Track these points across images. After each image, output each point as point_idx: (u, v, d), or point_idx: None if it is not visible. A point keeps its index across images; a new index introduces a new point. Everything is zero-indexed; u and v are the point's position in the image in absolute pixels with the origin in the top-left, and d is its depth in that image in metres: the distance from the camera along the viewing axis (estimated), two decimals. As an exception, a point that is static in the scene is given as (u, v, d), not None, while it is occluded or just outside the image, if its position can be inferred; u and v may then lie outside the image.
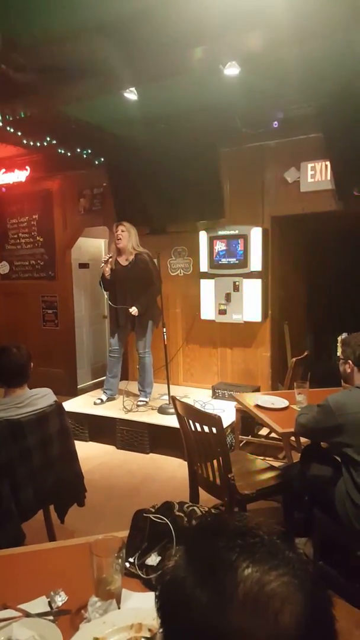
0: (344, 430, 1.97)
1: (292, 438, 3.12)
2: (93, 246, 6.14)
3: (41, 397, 2.29)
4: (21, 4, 2.30)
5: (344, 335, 4.33)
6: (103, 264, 4.22)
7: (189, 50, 2.63)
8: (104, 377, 4.65)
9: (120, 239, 4.17)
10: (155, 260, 4.23)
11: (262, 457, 3.18)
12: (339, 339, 4.41)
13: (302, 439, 3.11)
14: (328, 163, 3.99)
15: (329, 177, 4.03)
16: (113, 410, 4.32)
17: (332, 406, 1.98)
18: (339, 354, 2.55)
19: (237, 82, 3.15)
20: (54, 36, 2.58)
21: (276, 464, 3.22)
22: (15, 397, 2.20)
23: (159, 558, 1.21)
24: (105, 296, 4.51)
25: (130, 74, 2.84)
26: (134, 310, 4.13)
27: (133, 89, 3.22)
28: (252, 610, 0.45)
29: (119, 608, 1.05)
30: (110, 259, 4.19)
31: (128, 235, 4.18)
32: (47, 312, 5.76)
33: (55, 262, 5.62)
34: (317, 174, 4.11)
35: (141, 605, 1.05)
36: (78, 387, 5.73)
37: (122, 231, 4.18)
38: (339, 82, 3.38)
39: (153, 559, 1.21)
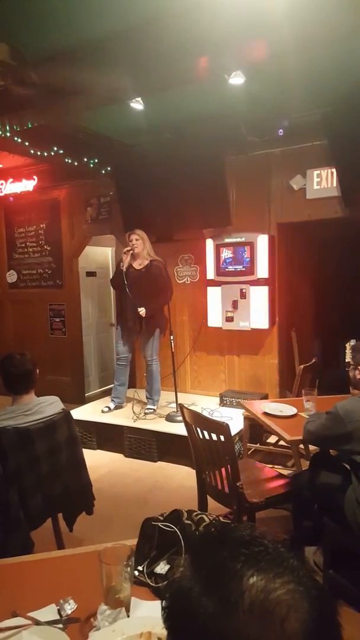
0: (353, 438, 1.95)
1: (301, 446, 3.10)
2: (100, 254, 6.18)
3: (49, 405, 2.30)
4: (30, 18, 2.35)
5: (353, 341, 4.32)
6: (124, 253, 4.24)
7: (194, 61, 2.66)
8: (112, 385, 4.66)
9: (135, 246, 4.22)
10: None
11: (270, 465, 3.16)
12: (348, 345, 4.40)
13: (311, 447, 3.09)
14: (334, 170, 4.00)
15: (334, 184, 4.04)
16: (121, 418, 4.32)
17: (341, 413, 1.97)
18: (347, 359, 2.54)
19: (242, 91, 3.19)
20: (62, 49, 2.63)
21: (285, 472, 3.20)
22: (22, 405, 2.22)
23: (167, 566, 1.21)
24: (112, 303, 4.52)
25: (137, 85, 2.88)
26: (142, 311, 4.17)
27: (139, 99, 3.26)
28: (258, 618, 0.45)
29: (128, 616, 1.05)
30: (129, 251, 4.22)
31: (142, 243, 4.26)
32: (55, 321, 5.79)
33: (63, 271, 5.66)
34: (322, 181, 4.12)
35: (150, 614, 1.04)
36: (86, 395, 5.74)
37: (137, 239, 4.24)
38: (343, 89, 3.40)
39: (162, 567, 1.21)
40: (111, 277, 4.46)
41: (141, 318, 4.22)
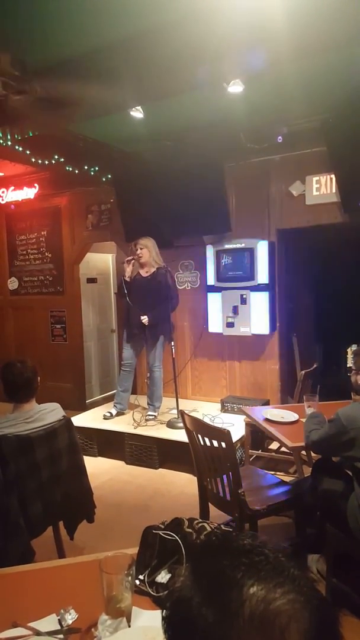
0: (356, 444, 1.95)
1: (303, 452, 3.09)
2: (101, 261, 6.20)
3: (50, 412, 2.30)
4: (32, 29, 2.38)
5: (355, 346, 4.31)
6: (125, 262, 4.26)
7: (193, 70, 2.69)
8: (113, 392, 4.65)
9: (141, 256, 4.24)
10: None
11: (272, 472, 3.15)
12: (349, 350, 4.39)
13: (313, 453, 3.07)
14: (333, 176, 4.02)
15: (334, 190, 4.05)
16: (122, 425, 4.31)
17: (343, 420, 1.97)
18: (349, 365, 2.54)
19: (241, 98, 3.21)
20: (63, 59, 2.65)
21: (287, 478, 3.18)
22: (23, 413, 2.21)
23: (168, 575, 1.20)
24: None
25: (137, 94, 2.90)
26: (145, 319, 4.17)
27: (139, 107, 3.29)
28: (258, 629, 0.45)
29: (129, 626, 1.04)
30: (133, 260, 4.24)
31: (148, 251, 4.26)
32: (56, 327, 5.80)
33: (64, 277, 5.68)
34: (322, 187, 4.14)
35: (152, 624, 1.04)
36: (87, 401, 5.73)
37: (141, 249, 4.25)
38: (341, 96, 3.42)
39: (163, 576, 1.20)
40: (116, 288, 4.46)
41: (145, 327, 4.22)
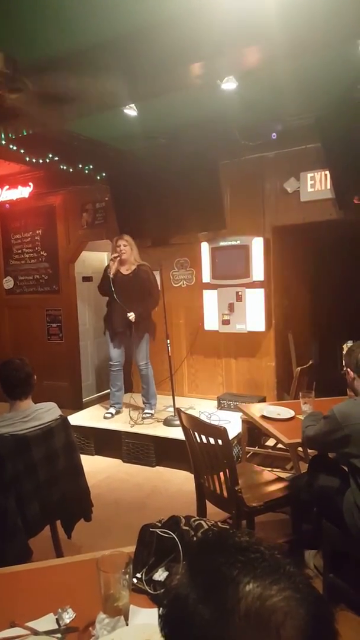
0: (351, 441, 1.96)
1: (300, 449, 3.10)
2: (96, 259, 6.18)
3: (46, 411, 2.30)
4: (23, 25, 2.36)
5: (350, 342, 4.32)
6: (111, 260, 4.24)
7: (186, 67, 2.67)
8: (109, 391, 4.65)
9: (124, 252, 4.22)
10: (157, 274, 4.28)
11: (269, 469, 3.16)
12: (344, 346, 4.41)
13: (310, 450, 3.09)
14: (327, 172, 4.02)
15: (328, 187, 4.06)
16: (118, 423, 4.31)
17: (338, 417, 1.97)
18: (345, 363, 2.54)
19: (235, 95, 3.20)
20: (56, 56, 2.64)
21: (284, 475, 3.19)
22: (20, 412, 2.21)
23: (166, 573, 1.21)
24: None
25: (130, 91, 2.89)
26: (131, 316, 4.16)
27: (133, 105, 3.28)
28: (254, 626, 0.45)
29: (127, 624, 1.04)
30: (117, 258, 4.22)
31: (130, 249, 4.25)
32: (52, 326, 5.78)
33: (59, 276, 5.66)
34: (316, 184, 4.14)
35: (149, 622, 1.04)
36: (83, 400, 5.73)
37: (125, 245, 4.23)
38: (335, 92, 3.42)
39: (160, 574, 1.21)
40: (98, 284, 4.41)
41: (130, 323, 4.21)
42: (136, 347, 4.34)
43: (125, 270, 4.28)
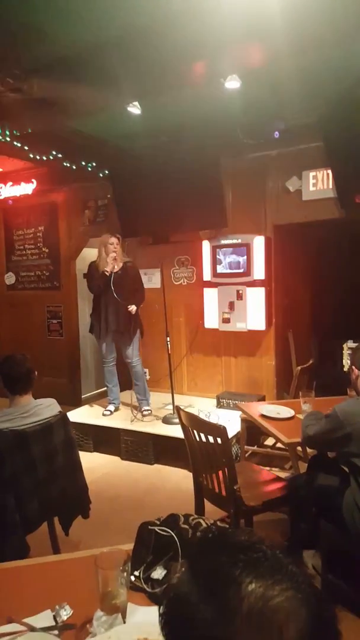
0: (352, 440, 1.95)
1: (299, 448, 3.09)
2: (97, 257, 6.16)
3: (46, 407, 2.30)
4: (28, 24, 2.35)
5: (350, 342, 4.32)
6: (111, 258, 4.22)
7: (189, 65, 2.67)
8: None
9: (115, 251, 4.23)
10: (157, 271, 4.31)
11: (268, 468, 3.15)
12: (345, 346, 4.41)
13: (309, 449, 3.09)
14: (329, 171, 4.01)
15: (330, 186, 4.05)
16: (117, 420, 4.31)
17: (340, 415, 1.97)
18: (345, 361, 2.54)
19: (238, 94, 3.19)
20: (60, 55, 2.63)
21: (282, 474, 3.19)
22: (20, 407, 2.21)
23: (164, 571, 1.20)
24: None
25: (134, 89, 2.88)
26: (132, 308, 4.21)
27: (136, 102, 3.27)
28: (256, 626, 0.45)
29: (124, 622, 1.04)
30: (114, 257, 4.22)
31: (120, 248, 4.31)
32: (52, 322, 5.78)
33: (60, 273, 5.66)
34: (318, 183, 4.13)
35: (147, 620, 1.04)
36: (82, 397, 5.73)
37: (117, 244, 4.27)
38: (338, 91, 3.41)
39: (158, 573, 1.20)
40: (90, 283, 4.38)
41: (123, 320, 4.24)
42: (128, 343, 4.34)
43: (116, 267, 4.29)
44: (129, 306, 4.21)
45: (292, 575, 0.48)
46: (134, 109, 3.31)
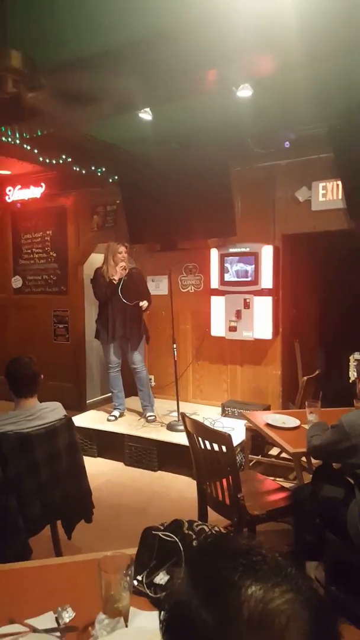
0: (358, 451, 1.94)
1: (304, 458, 3.07)
2: (105, 262, 6.20)
3: (51, 411, 2.30)
4: (44, 27, 2.39)
5: (357, 354, 4.29)
6: (122, 269, 4.25)
7: (202, 73, 2.69)
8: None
9: (124, 259, 4.25)
10: (165, 278, 4.34)
11: (272, 478, 3.13)
12: (351, 358, 4.38)
13: (314, 460, 3.06)
14: (339, 182, 4.02)
15: (340, 196, 4.05)
16: (122, 426, 4.31)
17: (346, 426, 1.96)
18: (351, 373, 2.53)
19: (250, 103, 3.21)
20: (73, 58, 2.67)
21: (287, 484, 3.17)
22: (25, 410, 2.22)
23: (167, 577, 1.19)
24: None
25: (146, 95, 2.91)
26: (144, 304, 4.24)
27: (148, 109, 3.30)
28: (257, 629, 0.45)
29: (126, 626, 1.03)
30: (123, 266, 4.25)
31: (127, 255, 4.34)
32: (58, 327, 5.80)
33: (68, 277, 5.69)
34: (328, 193, 4.14)
35: (149, 624, 1.03)
36: (87, 402, 5.73)
37: (125, 252, 4.29)
38: (349, 102, 3.43)
39: (161, 578, 1.20)
40: (96, 291, 4.39)
41: (130, 326, 4.26)
42: (134, 349, 4.35)
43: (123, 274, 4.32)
44: (140, 302, 4.23)
45: (292, 578, 0.48)
46: (146, 114, 3.34)
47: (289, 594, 0.46)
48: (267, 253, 4.31)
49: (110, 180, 4.86)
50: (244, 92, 3.01)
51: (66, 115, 3.17)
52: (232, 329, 4.49)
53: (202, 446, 2.41)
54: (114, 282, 4.23)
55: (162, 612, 0.52)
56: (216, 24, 2.31)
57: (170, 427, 4.13)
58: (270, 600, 0.45)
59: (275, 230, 4.44)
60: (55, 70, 2.65)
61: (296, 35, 2.31)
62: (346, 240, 4.63)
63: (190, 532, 1.26)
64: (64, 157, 4.38)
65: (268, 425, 2.88)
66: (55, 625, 1.06)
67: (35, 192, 5.59)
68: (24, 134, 3.70)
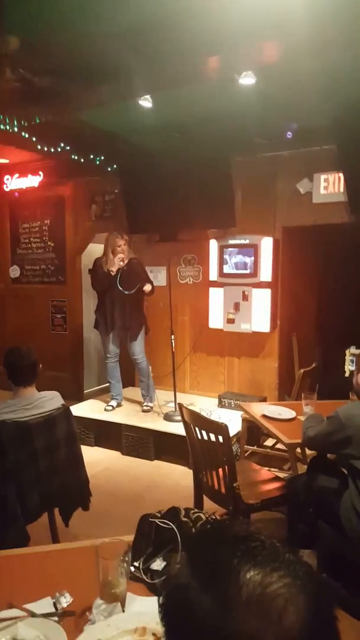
0: (352, 442, 1.96)
1: (298, 449, 3.10)
2: (102, 252, 6.17)
3: (49, 400, 2.31)
4: (39, 9, 2.34)
5: (353, 348, 4.31)
6: (121, 261, 4.24)
7: (205, 59, 2.66)
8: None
9: (122, 252, 4.24)
10: (164, 269, 4.32)
11: (267, 468, 3.16)
12: (348, 352, 4.39)
13: (308, 451, 3.09)
14: (341, 175, 4.00)
15: (342, 189, 4.03)
16: (119, 415, 4.33)
17: (342, 417, 1.98)
18: (347, 366, 2.54)
19: (252, 91, 3.17)
20: (71, 42, 2.62)
21: (281, 475, 3.20)
22: (23, 399, 2.22)
23: (164, 563, 1.21)
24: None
25: (146, 81, 2.87)
26: (148, 287, 4.22)
27: (148, 96, 3.26)
28: (255, 612, 0.46)
29: (123, 611, 1.05)
30: (121, 258, 4.24)
31: (127, 246, 4.31)
32: (56, 317, 5.79)
33: (66, 267, 5.67)
34: (330, 186, 4.12)
35: (146, 609, 1.05)
36: (85, 392, 5.74)
37: (124, 244, 4.27)
38: (354, 94, 3.39)
39: (158, 564, 1.21)
40: (94, 282, 4.40)
41: (129, 316, 4.27)
42: (134, 339, 4.35)
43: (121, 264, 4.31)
44: (144, 287, 4.19)
45: (289, 563, 0.49)
46: (146, 102, 3.29)
47: (286, 579, 0.47)
48: (266, 245, 4.30)
49: (109, 169, 4.82)
50: (247, 79, 2.96)
51: (64, 102, 3.12)
52: (230, 321, 4.50)
53: (199, 436, 2.43)
54: (112, 273, 4.21)
55: (161, 597, 0.53)
56: (221, 10, 2.27)
57: (167, 417, 4.15)
58: (268, 584, 0.46)
59: (276, 223, 4.42)
60: (54, 55, 2.61)
61: (303, 22, 2.26)
62: (347, 234, 4.62)
63: (187, 520, 1.27)
64: (62, 145, 4.33)
65: (264, 416, 2.90)
66: (53, 610, 1.07)
67: (33, 180, 5.54)
68: (22, 122, 3.65)
